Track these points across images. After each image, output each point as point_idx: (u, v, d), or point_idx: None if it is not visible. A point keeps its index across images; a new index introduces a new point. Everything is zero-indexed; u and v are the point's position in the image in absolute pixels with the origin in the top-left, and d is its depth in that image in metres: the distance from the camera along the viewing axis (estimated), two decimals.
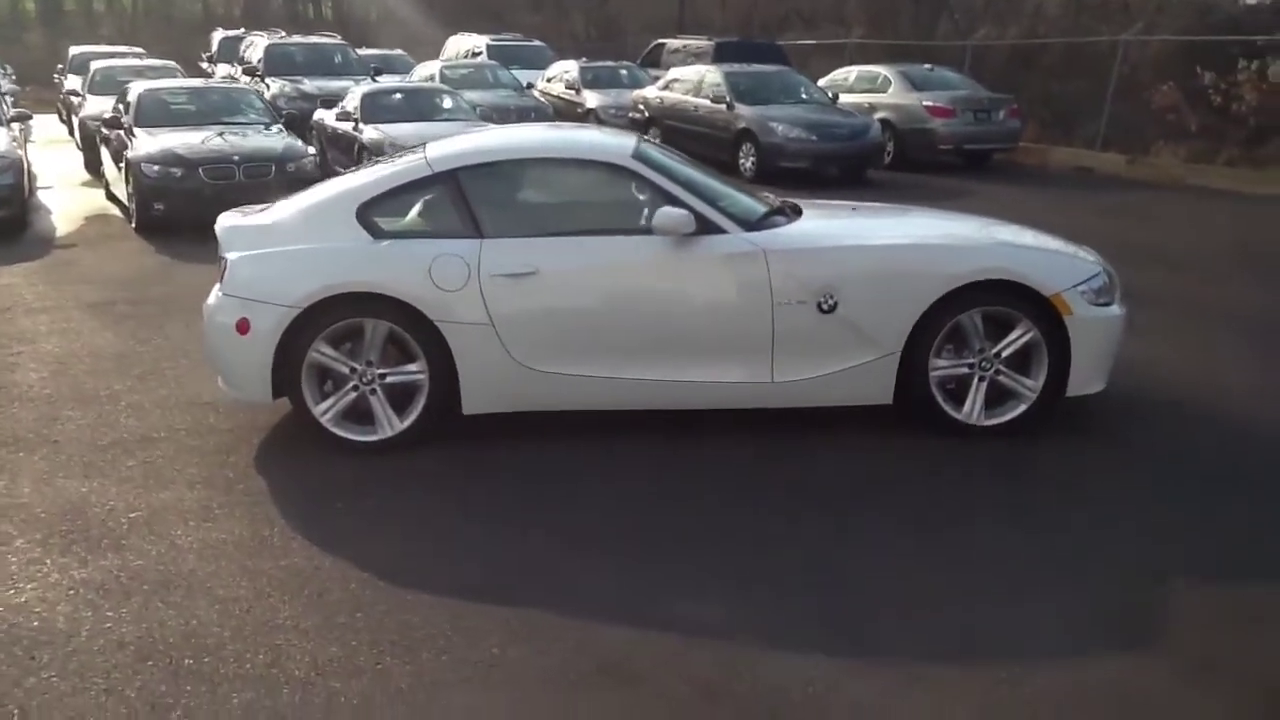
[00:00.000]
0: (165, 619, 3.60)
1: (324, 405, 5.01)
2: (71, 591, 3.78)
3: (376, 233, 5.10)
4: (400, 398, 5.06)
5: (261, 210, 5.62)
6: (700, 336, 5.08)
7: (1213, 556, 4.08)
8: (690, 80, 16.58)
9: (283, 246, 5.10)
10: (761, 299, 5.02)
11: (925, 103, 16.11)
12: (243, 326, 4.96)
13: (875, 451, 5.08)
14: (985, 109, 16.26)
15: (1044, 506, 4.58)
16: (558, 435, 5.19)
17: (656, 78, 20.31)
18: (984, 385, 5.18)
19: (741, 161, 14.95)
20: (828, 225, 5.58)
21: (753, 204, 5.44)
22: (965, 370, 5.19)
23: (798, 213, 5.52)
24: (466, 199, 5.14)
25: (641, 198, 5.21)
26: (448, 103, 14.16)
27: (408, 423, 5.04)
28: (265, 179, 11.01)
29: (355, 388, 5.02)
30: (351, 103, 13.88)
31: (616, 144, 5.55)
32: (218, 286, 5.14)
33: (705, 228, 5.05)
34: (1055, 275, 5.15)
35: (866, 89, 17.26)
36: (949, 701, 3.16)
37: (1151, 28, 17.86)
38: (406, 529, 4.33)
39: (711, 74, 16.19)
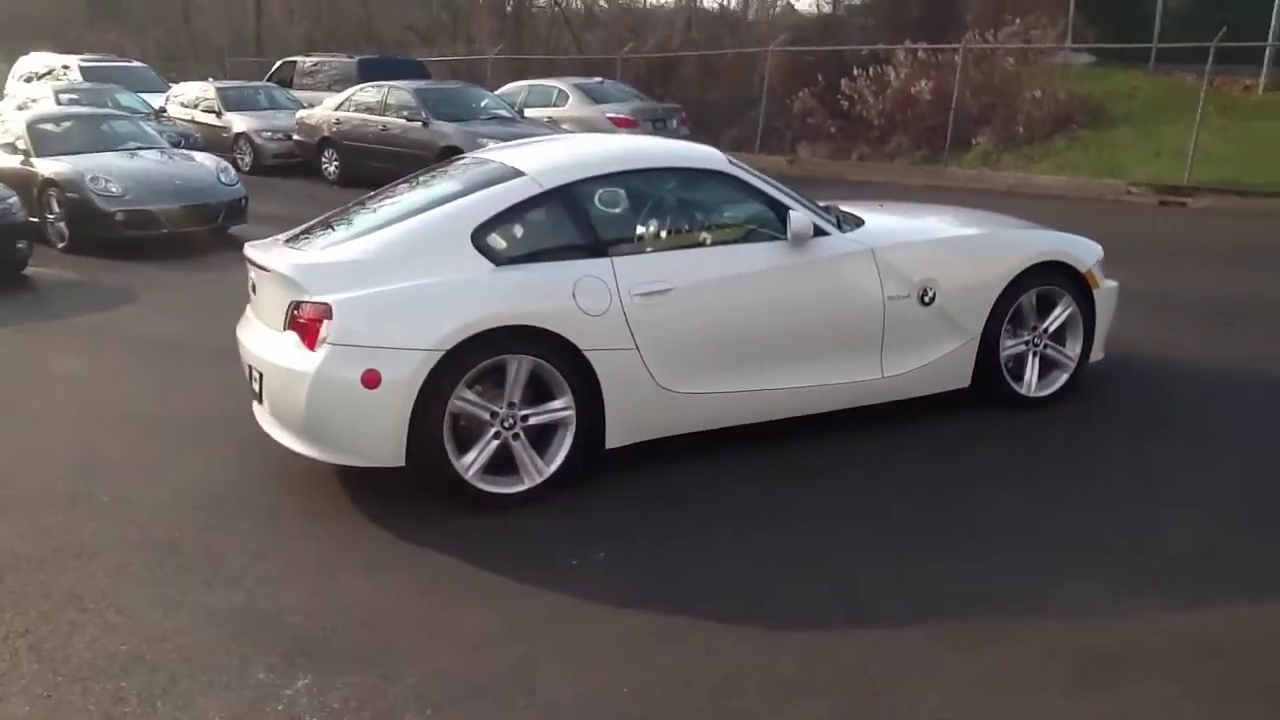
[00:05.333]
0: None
1: (468, 458, 4.40)
2: (429, 711, 3.08)
3: (495, 259, 4.56)
4: (537, 441, 4.56)
5: (297, 243, 4.81)
6: (823, 339, 5.05)
7: None
8: (372, 99, 15.82)
9: (392, 283, 4.39)
10: (874, 296, 5.10)
11: (608, 114, 16.57)
12: (370, 380, 4.22)
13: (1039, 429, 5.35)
14: (660, 118, 17.04)
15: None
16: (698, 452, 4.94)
17: (294, 99, 19.20)
18: (1037, 359, 5.61)
19: None
20: (900, 223, 5.76)
21: (820, 208, 5.47)
22: (1022, 347, 5.57)
23: (852, 215, 5.59)
24: (586, 216, 4.73)
25: (746, 203, 5.07)
26: (131, 129, 12.50)
27: (554, 467, 4.55)
28: None
29: (497, 434, 4.45)
30: (11, 134, 11.84)
31: (707, 151, 5.34)
32: (304, 339, 4.34)
33: (815, 231, 5.03)
34: (1086, 254, 5.70)
35: (542, 103, 17.41)
36: None
37: (776, 41, 19.55)
38: (678, 570, 3.95)
39: (399, 91, 15.55)
